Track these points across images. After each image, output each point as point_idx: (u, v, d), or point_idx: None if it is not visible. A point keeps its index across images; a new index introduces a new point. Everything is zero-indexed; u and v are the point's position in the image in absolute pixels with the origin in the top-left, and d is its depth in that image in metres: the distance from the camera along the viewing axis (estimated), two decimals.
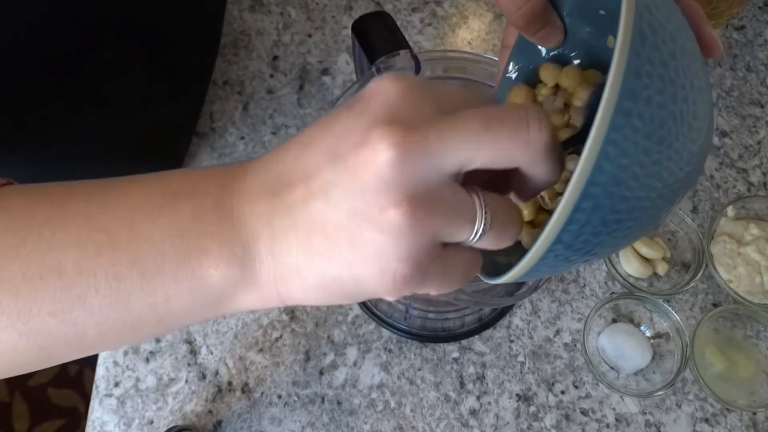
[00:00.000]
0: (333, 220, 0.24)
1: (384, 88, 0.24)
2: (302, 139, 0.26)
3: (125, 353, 0.58)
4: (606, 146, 0.23)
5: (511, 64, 0.38)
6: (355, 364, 0.58)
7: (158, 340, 0.58)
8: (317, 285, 0.26)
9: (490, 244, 0.26)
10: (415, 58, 0.46)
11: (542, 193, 0.35)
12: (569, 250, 0.26)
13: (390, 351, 0.58)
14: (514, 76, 0.38)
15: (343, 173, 0.24)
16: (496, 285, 0.55)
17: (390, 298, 0.26)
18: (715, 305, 0.60)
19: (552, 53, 0.37)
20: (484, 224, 0.25)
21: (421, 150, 0.23)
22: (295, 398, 0.57)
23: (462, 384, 0.57)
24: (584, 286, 0.61)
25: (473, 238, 0.25)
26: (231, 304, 0.28)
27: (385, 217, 0.23)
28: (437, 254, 0.25)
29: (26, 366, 0.30)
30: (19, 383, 1.32)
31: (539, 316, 0.60)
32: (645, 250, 0.60)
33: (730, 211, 0.61)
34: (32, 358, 0.29)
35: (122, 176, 0.30)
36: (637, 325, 0.59)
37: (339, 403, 0.57)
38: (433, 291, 0.26)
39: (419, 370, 0.58)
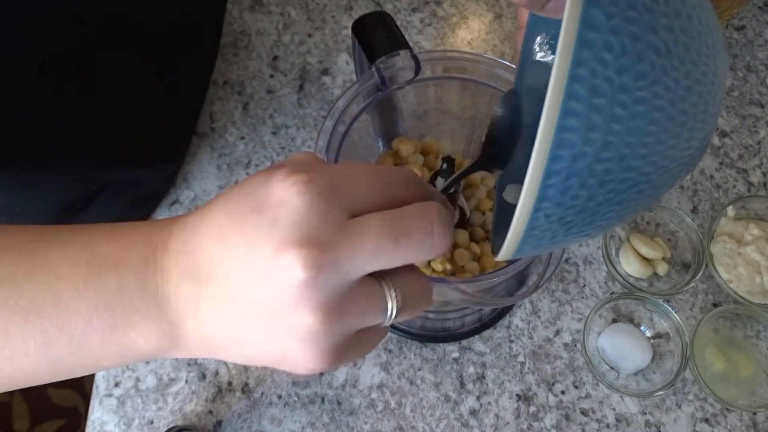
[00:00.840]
0: (254, 321, 0.27)
1: (290, 201, 0.25)
2: (215, 230, 0.27)
3: None
4: (572, 84, 0.21)
5: (537, 43, 0.36)
6: (355, 364, 0.58)
7: None
8: (244, 360, 0.29)
9: (403, 318, 0.28)
10: (415, 58, 0.46)
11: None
12: (561, 209, 0.24)
13: (390, 351, 0.58)
14: (539, 56, 0.36)
15: (260, 283, 0.26)
16: (497, 285, 0.55)
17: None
18: (715, 305, 0.60)
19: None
20: (396, 309, 0.27)
21: (332, 269, 0.25)
22: (295, 398, 0.57)
23: (462, 384, 0.57)
24: (584, 286, 0.61)
25: (386, 322, 0.28)
26: (158, 357, 0.30)
27: (301, 327, 0.26)
28: (352, 340, 0.28)
29: None
30: None
31: (539, 316, 0.60)
32: (645, 250, 0.60)
33: (730, 211, 0.61)
34: None
35: (53, 227, 0.31)
36: (637, 325, 0.59)
37: (339, 403, 0.57)
38: (350, 362, 0.28)
39: (419, 370, 0.58)
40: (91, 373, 0.32)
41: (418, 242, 0.26)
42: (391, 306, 0.27)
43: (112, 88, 0.51)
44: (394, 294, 0.27)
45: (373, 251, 0.26)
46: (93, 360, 0.30)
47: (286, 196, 0.26)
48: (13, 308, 0.29)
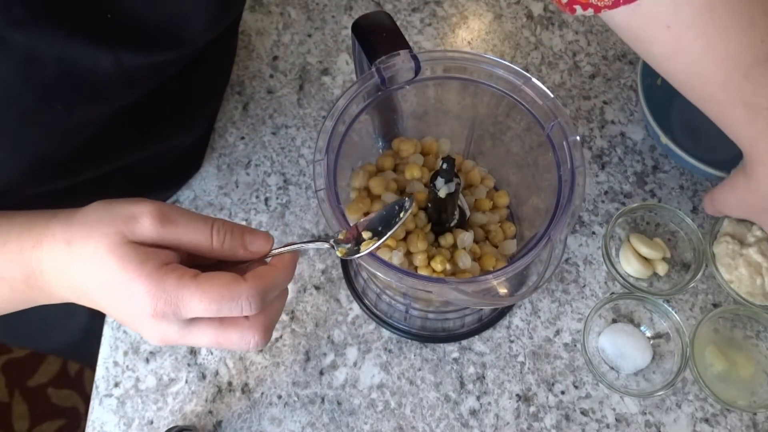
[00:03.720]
0: (119, 316, 0.38)
1: (147, 313, 0.35)
2: (86, 285, 0.37)
3: (125, 353, 0.58)
4: None
5: None
6: (355, 364, 0.58)
7: None
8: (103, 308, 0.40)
9: None
10: (415, 58, 0.46)
11: None
12: None
13: (390, 351, 0.58)
14: None
15: (122, 311, 0.37)
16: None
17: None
18: (715, 305, 0.60)
19: None
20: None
21: (170, 343, 0.38)
22: (295, 398, 0.57)
23: (462, 384, 0.57)
24: (584, 286, 0.61)
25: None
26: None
27: (148, 338, 0.38)
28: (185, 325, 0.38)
29: None
30: (19, 383, 1.32)
31: (539, 317, 0.60)
32: (645, 250, 0.60)
33: None
34: None
35: None
36: (637, 326, 0.59)
37: (339, 403, 0.57)
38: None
39: (419, 370, 0.58)
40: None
41: (236, 348, 0.38)
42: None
43: (145, 124, 0.53)
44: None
45: (207, 347, 0.40)
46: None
47: (144, 311, 0.35)
48: None
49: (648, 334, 0.58)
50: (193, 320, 0.36)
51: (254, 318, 0.37)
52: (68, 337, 0.80)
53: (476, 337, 0.59)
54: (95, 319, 0.60)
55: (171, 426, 0.55)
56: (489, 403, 0.57)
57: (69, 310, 0.45)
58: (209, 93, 0.65)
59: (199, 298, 0.35)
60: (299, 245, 0.40)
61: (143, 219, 0.35)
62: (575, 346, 0.59)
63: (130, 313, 0.36)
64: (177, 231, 0.36)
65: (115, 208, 0.36)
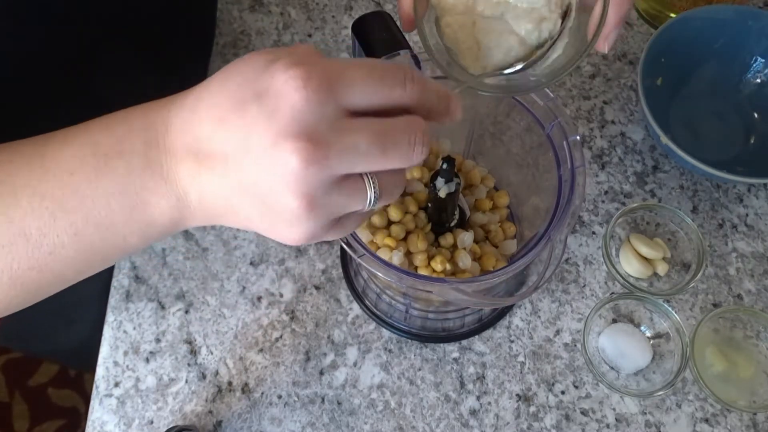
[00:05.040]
0: (247, 198, 0.30)
1: (288, 95, 0.27)
2: (214, 112, 0.29)
3: (125, 353, 0.58)
4: None
5: None
6: (355, 364, 0.58)
7: (158, 340, 0.58)
8: (242, 227, 0.33)
9: (381, 205, 0.32)
10: (415, 58, 0.46)
11: None
12: None
13: (390, 351, 0.58)
14: None
15: (256, 166, 0.28)
16: (497, 285, 0.55)
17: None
18: (715, 305, 0.60)
19: None
20: (375, 200, 0.31)
21: (321, 165, 0.28)
22: (295, 398, 0.57)
23: (462, 384, 0.57)
24: (584, 286, 0.61)
25: (365, 210, 0.31)
26: (177, 230, 0.34)
27: (287, 210, 0.29)
28: (333, 223, 0.31)
29: (14, 306, 0.36)
30: (19, 383, 1.32)
31: (539, 316, 0.60)
32: (645, 250, 0.60)
33: None
34: (21, 301, 0.35)
35: (49, 134, 0.34)
36: (637, 325, 0.59)
37: (339, 403, 0.57)
38: (329, 238, 0.32)
39: (419, 370, 0.58)
40: (124, 256, 0.35)
41: (401, 153, 0.30)
42: (371, 197, 0.30)
43: (109, 89, 0.51)
44: (374, 188, 0.30)
45: (363, 156, 0.29)
46: (121, 241, 0.33)
47: (285, 90, 0.27)
48: (39, 209, 0.32)
49: (648, 334, 0.58)
50: (347, 113, 0.29)
51: (414, 116, 0.31)
52: (69, 344, 0.80)
53: (476, 337, 0.59)
54: (95, 330, 0.60)
55: (171, 426, 0.55)
56: (489, 403, 0.57)
57: (69, 318, 0.43)
58: (192, 50, 0.64)
59: (356, 64, 0.29)
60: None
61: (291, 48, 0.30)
62: (575, 346, 0.59)
63: (260, 121, 0.28)
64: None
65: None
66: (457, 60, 0.41)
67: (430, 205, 0.50)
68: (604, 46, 0.37)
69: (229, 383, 0.57)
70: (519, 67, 0.40)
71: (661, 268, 0.60)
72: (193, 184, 0.31)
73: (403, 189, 0.33)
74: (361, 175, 0.30)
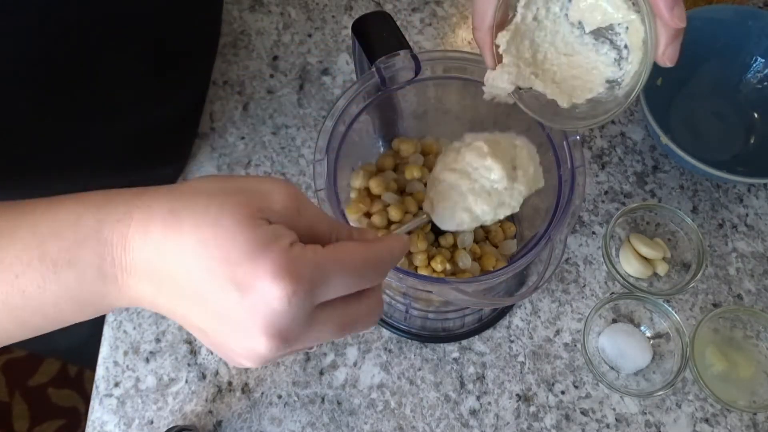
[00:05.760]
0: (203, 337, 0.32)
1: (271, 303, 0.28)
2: (188, 276, 0.29)
3: (125, 353, 0.58)
4: None
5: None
6: (355, 364, 0.58)
7: (158, 341, 0.58)
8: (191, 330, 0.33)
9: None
10: (415, 58, 0.46)
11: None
12: None
13: (390, 351, 0.58)
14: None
15: (226, 331, 0.30)
16: (497, 285, 0.55)
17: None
18: (715, 305, 0.60)
19: None
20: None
21: (285, 351, 0.30)
22: (295, 398, 0.57)
23: (462, 384, 0.57)
24: (584, 286, 0.61)
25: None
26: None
27: (242, 359, 0.31)
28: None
29: None
30: (19, 383, 1.32)
31: (539, 316, 0.60)
32: (645, 250, 0.60)
33: None
34: None
35: None
36: (637, 325, 0.59)
37: (339, 403, 0.57)
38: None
39: (419, 370, 0.58)
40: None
41: (357, 332, 0.34)
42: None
43: (111, 89, 0.51)
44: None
45: (324, 340, 0.31)
46: (70, 323, 0.33)
47: (269, 296, 0.28)
48: None
49: (648, 334, 0.58)
50: (318, 307, 0.30)
51: (375, 290, 0.32)
52: (70, 342, 0.80)
53: (476, 337, 0.59)
54: (96, 326, 0.60)
55: (171, 426, 0.55)
56: (489, 403, 0.57)
57: None
58: (196, 51, 0.64)
59: (341, 266, 0.29)
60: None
61: (276, 196, 0.30)
62: (575, 346, 0.59)
63: (235, 313, 0.29)
64: (304, 219, 0.31)
65: (237, 179, 0.31)
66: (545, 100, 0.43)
67: None
68: (664, 60, 0.38)
69: (229, 383, 0.57)
70: (603, 89, 0.41)
71: (661, 268, 0.60)
72: (149, 301, 0.31)
73: (374, 323, 0.35)
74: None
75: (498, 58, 0.43)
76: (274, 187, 0.30)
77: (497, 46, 0.42)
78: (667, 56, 0.37)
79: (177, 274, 0.29)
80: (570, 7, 0.41)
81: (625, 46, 0.40)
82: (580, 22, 0.41)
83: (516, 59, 0.42)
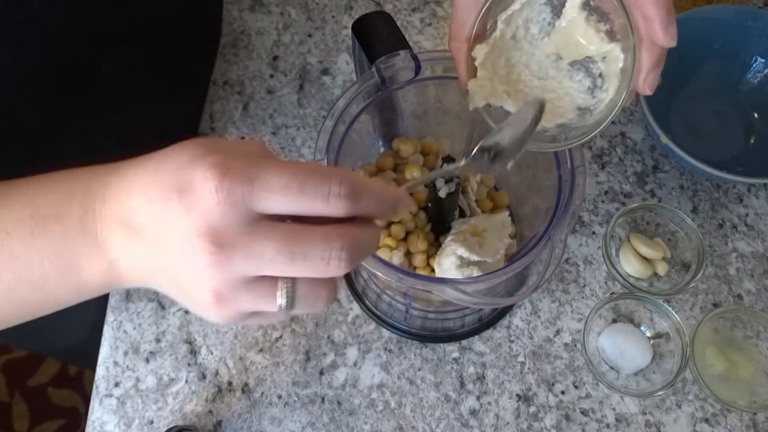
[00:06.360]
0: (167, 277, 0.31)
1: (203, 196, 0.28)
2: (146, 191, 0.30)
3: (125, 353, 0.58)
4: None
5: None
6: (355, 364, 0.58)
7: (158, 340, 0.58)
8: (167, 292, 0.33)
9: (299, 312, 0.32)
10: (415, 58, 0.46)
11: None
12: None
13: (390, 351, 0.58)
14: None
15: (172, 253, 0.30)
16: (497, 285, 0.55)
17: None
18: (715, 305, 0.60)
19: None
20: (286, 306, 0.30)
21: (227, 265, 0.28)
22: (295, 398, 0.57)
23: (462, 384, 0.57)
24: (584, 286, 0.61)
25: (280, 314, 0.31)
26: (111, 289, 0.36)
27: (198, 300, 0.30)
28: (248, 315, 0.32)
29: None
30: (19, 383, 1.32)
31: (539, 316, 0.60)
32: (645, 250, 0.60)
33: None
34: None
35: None
36: (637, 325, 0.59)
37: (339, 403, 0.57)
38: (251, 324, 0.33)
39: (419, 370, 0.58)
40: (57, 309, 0.36)
41: (312, 265, 0.29)
42: (281, 303, 0.30)
43: (111, 89, 0.51)
44: (286, 294, 0.30)
45: (269, 261, 0.29)
46: (53, 299, 0.34)
47: (200, 190, 0.28)
48: None
49: (648, 334, 0.58)
50: (261, 219, 0.29)
51: (342, 225, 0.30)
52: (70, 342, 0.80)
53: (476, 337, 0.59)
54: (96, 326, 0.60)
55: (171, 426, 0.55)
56: (489, 403, 0.57)
57: (69, 317, 0.43)
58: (196, 51, 0.64)
59: (278, 170, 0.28)
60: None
61: (243, 144, 0.31)
62: (575, 346, 0.59)
63: (176, 220, 0.29)
64: (264, 163, 0.30)
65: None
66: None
67: (430, 205, 0.50)
68: (644, 88, 0.37)
69: (229, 383, 0.57)
70: (574, 116, 0.41)
71: (661, 268, 0.60)
72: (123, 252, 0.32)
73: (329, 300, 0.32)
74: (276, 278, 0.30)
75: (472, 72, 0.42)
76: (250, 141, 0.31)
77: (473, 59, 0.41)
78: (648, 83, 0.37)
79: (138, 206, 0.30)
80: (550, 32, 0.40)
81: (600, 75, 0.39)
82: (557, 54, 0.41)
83: (490, 74, 0.41)
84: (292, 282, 0.30)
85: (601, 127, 0.38)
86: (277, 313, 0.32)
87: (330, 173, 0.29)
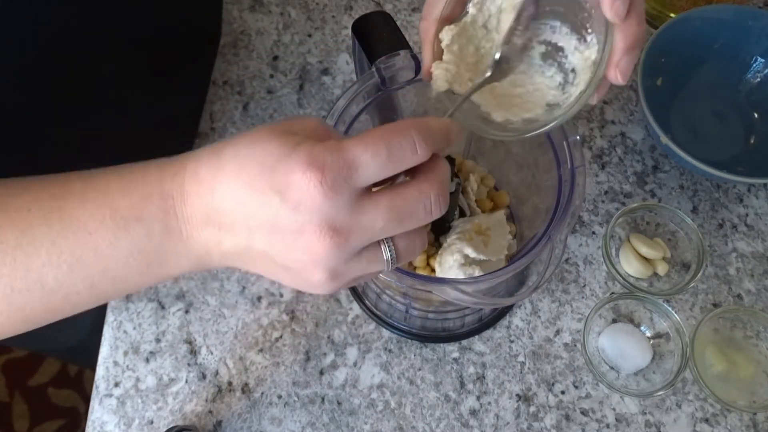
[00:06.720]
0: (271, 264, 0.33)
1: (309, 193, 0.30)
2: (235, 194, 0.31)
3: (125, 353, 0.58)
4: None
5: None
6: (355, 364, 0.58)
7: (158, 340, 0.58)
8: (261, 272, 0.35)
9: (401, 263, 0.34)
10: (415, 58, 0.46)
11: None
12: None
13: (390, 351, 0.58)
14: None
15: (283, 245, 0.31)
16: (497, 285, 0.55)
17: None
18: (715, 305, 0.60)
19: None
20: (392, 263, 0.33)
21: (344, 247, 0.31)
22: (295, 398, 0.57)
23: (462, 384, 0.57)
24: (584, 286, 0.61)
25: (385, 271, 0.34)
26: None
27: (313, 279, 0.32)
28: (355, 280, 0.34)
29: (14, 334, 0.37)
30: (19, 383, 1.32)
31: (539, 316, 0.60)
32: (645, 250, 0.60)
33: None
34: (23, 331, 0.37)
35: (63, 181, 0.35)
36: (637, 325, 0.59)
37: (339, 403, 0.57)
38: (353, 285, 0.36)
39: (419, 370, 0.58)
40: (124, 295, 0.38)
41: (418, 219, 0.32)
42: (389, 260, 0.33)
43: (111, 89, 0.51)
44: (391, 253, 0.33)
45: (380, 230, 0.31)
46: (135, 288, 0.36)
47: (304, 187, 0.29)
48: (58, 262, 0.33)
49: (648, 334, 0.58)
50: (363, 194, 0.31)
51: (422, 173, 0.32)
52: (70, 342, 0.80)
53: (476, 337, 0.59)
54: (96, 326, 0.60)
55: (171, 426, 0.55)
56: (489, 403, 0.57)
57: (69, 317, 0.43)
58: (196, 51, 0.64)
59: (363, 145, 0.30)
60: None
61: (307, 120, 0.33)
62: (575, 346, 0.59)
63: (283, 217, 0.30)
64: (334, 137, 0.33)
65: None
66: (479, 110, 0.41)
67: None
68: (615, 75, 0.35)
69: (229, 383, 0.57)
70: (542, 111, 0.39)
71: (661, 268, 0.60)
72: (215, 247, 0.33)
73: (424, 246, 0.35)
74: (379, 243, 0.32)
75: (438, 55, 0.40)
76: (306, 117, 0.33)
77: (440, 41, 0.40)
78: (620, 69, 0.35)
79: (230, 205, 0.31)
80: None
81: (573, 70, 0.38)
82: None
83: (458, 60, 0.40)
84: (392, 240, 0.33)
85: (564, 119, 0.37)
86: (381, 271, 0.34)
87: (401, 129, 0.31)
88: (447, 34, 0.40)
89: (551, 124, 0.37)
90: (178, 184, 0.33)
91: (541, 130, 0.37)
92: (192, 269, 0.35)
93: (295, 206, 0.30)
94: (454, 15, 0.40)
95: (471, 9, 0.40)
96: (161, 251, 0.33)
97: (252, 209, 0.31)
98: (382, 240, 0.32)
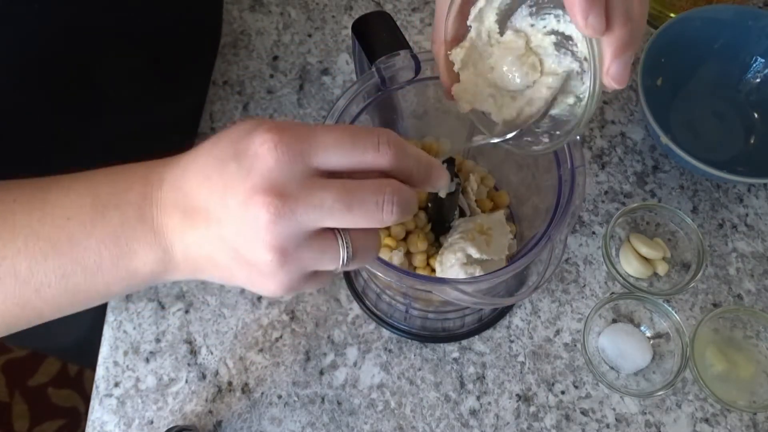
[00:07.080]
0: (225, 251, 0.32)
1: (262, 155, 0.30)
2: (202, 171, 0.32)
3: (125, 353, 0.58)
4: None
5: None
6: (355, 364, 0.58)
7: (158, 340, 0.58)
8: (223, 282, 0.35)
9: (354, 266, 0.33)
10: (415, 58, 0.46)
11: None
12: None
13: (390, 351, 0.58)
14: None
15: (232, 220, 0.31)
16: (497, 285, 0.55)
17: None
18: (715, 305, 0.60)
19: None
20: (347, 258, 0.32)
21: (289, 218, 0.30)
22: (295, 398, 0.57)
23: (462, 384, 0.57)
24: (584, 286, 0.61)
25: (339, 269, 0.33)
26: (156, 282, 0.36)
27: (260, 262, 0.31)
28: (310, 276, 0.33)
29: None
30: (19, 383, 1.32)
31: (539, 316, 0.60)
32: (645, 250, 0.60)
33: None
34: None
35: (53, 178, 0.36)
36: (637, 325, 0.59)
37: (339, 403, 0.57)
38: (308, 290, 0.35)
39: (419, 370, 0.58)
40: (103, 301, 0.37)
41: (367, 211, 0.31)
42: (343, 255, 0.32)
43: (111, 89, 0.51)
44: (346, 246, 0.32)
45: (328, 211, 0.30)
46: (104, 288, 0.35)
47: (260, 151, 0.30)
48: (33, 249, 0.34)
49: (648, 334, 0.58)
50: (318, 173, 0.31)
51: (388, 178, 0.32)
52: (70, 342, 0.80)
53: (476, 337, 0.59)
54: (96, 326, 0.60)
55: (171, 426, 0.55)
56: (489, 403, 0.57)
57: (71, 316, 0.43)
58: (196, 51, 0.64)
59: (330, 129, 0.31)
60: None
61: (282, 122, 0.33)
62: (575, 346, 0.59)
63: (236, 181, 0.30)
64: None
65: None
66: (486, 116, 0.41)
67: (430, 205, 0.50)
68: (610, 83, 0.34)
69: (229, 383, 0.57)
70: (565, 106, 0.39)
71: (661, 268, 0.60)
72: (179, 237, 0.33)
73: (378, 250, 0.34)
74: (334, 233, 0.32)
75: (455, 76, 0.40)
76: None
77: (452, 64, 0.40)
78: (612, 74, 0.34)
79: (196, 183, 0.32)
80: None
81: (585, 58, 0.37)
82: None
83: (475, 78, 0.40)
84: (349, 234, 0.32)
85: (584, 121, 0.36)
86: (331, 273, 0.34)
87: (375, 130, 0.31)
88: (456, 57, 0.40)
89: (578, 130, 0.37)
90: (160, 171, 0.34)
91: (566, 138, 0.38)
92: (157, 271, 0.34)
93: (248, 170, 0.30)
94: (460, 35, 0.40)
95: (472, 24, 0.39)
96: (132, 240, 0.34)
97: (211, 186, 0.31)
98: (338, 232, 0.32)
